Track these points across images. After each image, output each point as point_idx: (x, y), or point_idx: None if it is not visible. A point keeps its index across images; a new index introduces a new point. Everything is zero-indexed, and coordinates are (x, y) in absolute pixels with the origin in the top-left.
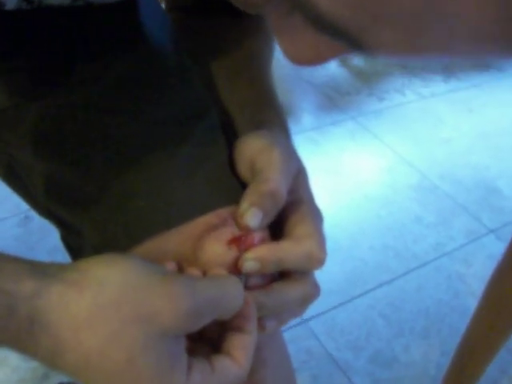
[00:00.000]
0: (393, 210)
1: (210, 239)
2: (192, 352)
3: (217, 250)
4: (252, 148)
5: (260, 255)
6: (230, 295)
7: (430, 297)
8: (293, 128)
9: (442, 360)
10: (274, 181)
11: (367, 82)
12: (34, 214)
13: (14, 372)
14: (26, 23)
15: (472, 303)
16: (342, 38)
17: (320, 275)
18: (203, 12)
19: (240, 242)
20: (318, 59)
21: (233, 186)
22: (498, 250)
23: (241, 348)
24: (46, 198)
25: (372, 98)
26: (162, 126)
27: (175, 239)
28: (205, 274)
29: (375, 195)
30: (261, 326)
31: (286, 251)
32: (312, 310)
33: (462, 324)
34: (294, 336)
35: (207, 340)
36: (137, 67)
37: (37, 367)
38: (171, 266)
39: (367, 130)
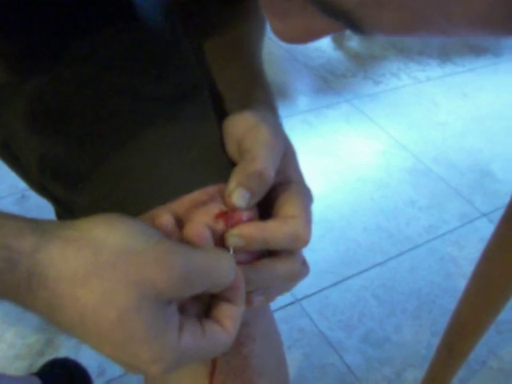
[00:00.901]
0: (387, 193)
1: (199, 213)
2: (184, 310)
3: (204, 221)
4: (239, 128)
5: (245, 233)
6: (222, 270)
7: (422, 278)
8: (288, 110)
9: (433, 340)
10: (261, 160)
11: (363, 65)
12: (30, 193)
13: (10, 348)
14: (20, 1)
15: (463, 285)
16: (343, 19)
17: (313, 255)
18: None
19: (227, 217)
20: (309, 37)
21: (222, 165)
22: (491, 233)
23: (230, 317)
24: (40, 175)
25: (368, 81)
26: (155, 104)
27: (165, 213)
28: (178, 221)
29: (369, 177)
30: (248, 300)
31: (272, 231)
32: (305, 289)
33: (452, 305)
34: (287, 315)
35: (199, 301)
36: (131, 45)
37: (32, 344)
38: (168, 219)
39: (362, 112)
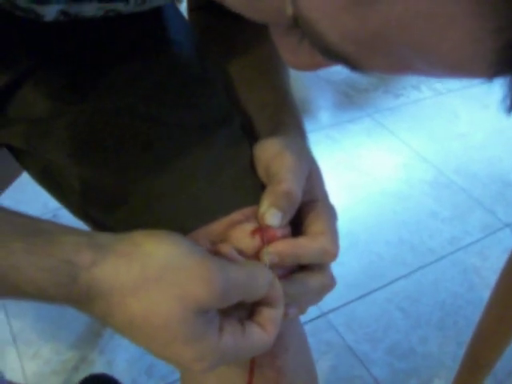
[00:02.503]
0: (409, 205)
1: (236, 230)
2: (226, 315)
3: (242, 238)
4: (267, 154)
5: (279, 250)
6: (258, 284)
7: (446, 290)
8: (311, 125)
9: (459, 351)
10: (288, 181)
11: (384, 79)
12: (62, 212)
13: (46, 364)
14: (60, 33)
15: (487, 295)
16: (341, 61)
17: (339, 269)
18: (224, 12)
19: (263, 233)
20: (316, 66)
21: (255, 187)
22: None
23: (269, 319)
24: (81, 200)
25: (388, 95)
26: (190, 131)
27: (203, 234)
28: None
29: (391, 190)
30: (284, 313)
31: (303, 247)
32: (331, 303)
33: (477, 316)
34: (315, 328)
35: (241, 307)
36: (165, 77)
37: (68, 360)
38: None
39: (383, 126)
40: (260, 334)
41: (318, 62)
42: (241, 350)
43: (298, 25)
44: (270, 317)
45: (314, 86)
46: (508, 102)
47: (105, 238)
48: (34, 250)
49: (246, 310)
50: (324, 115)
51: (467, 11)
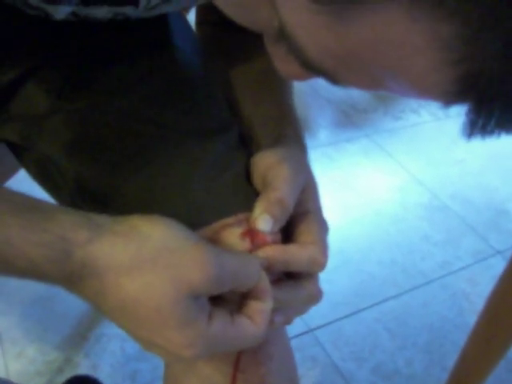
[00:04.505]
0: (402, 227)
1: (226, 232)
2: (216, 305)
3: (232, 240)
4: (265, 163)
5: (269, 254)
6: (249, 272)
7: (435, 313)
8: (309, 143)
9: (443, 375)
10: (282, 190)
11: (384, 100)
12: None
13: (31, 364)
14: (66, 32)
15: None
16: (321, 75)
17: (328, 287)
18: (230, 26)
19: (253, 235)
20: (305, 76)
21: (250, 194)
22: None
23: (258, 311)
24: (75, 196)
25: (388, 117)
26: (188, 136)
27: None
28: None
29: (386, 212)
30: (271, 320)
31: (292, 253)
32: (319, 319)
33: (463, 341)
34: (301, 344)
35: (231, 301)
36: (166, 79)
37: (52, 361)
38: None
39: (381, 148)
40: (249, 325)
41: (305, 73)
42: (230, 340)
43: (284, 37)
44: (258, 309)
45: (313, 104)
46: (467, 130)
47: (102, 218)
48: (30, 226)
49: (234, 305)
50: (322, 133)
51: (429, 43)
